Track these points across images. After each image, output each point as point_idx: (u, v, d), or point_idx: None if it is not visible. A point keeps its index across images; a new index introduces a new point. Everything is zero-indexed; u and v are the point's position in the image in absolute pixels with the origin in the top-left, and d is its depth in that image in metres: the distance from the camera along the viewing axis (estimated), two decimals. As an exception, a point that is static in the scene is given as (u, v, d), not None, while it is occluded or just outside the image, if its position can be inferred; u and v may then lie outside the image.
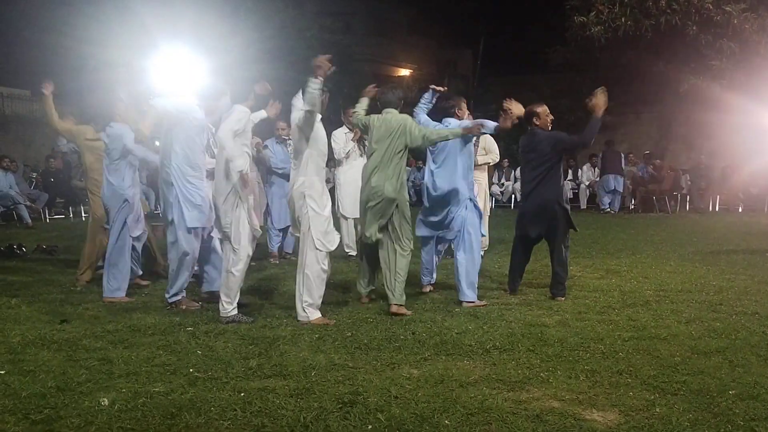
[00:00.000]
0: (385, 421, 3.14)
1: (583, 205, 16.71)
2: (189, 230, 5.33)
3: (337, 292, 6.10)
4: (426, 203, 5.94)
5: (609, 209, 15.54)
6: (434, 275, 6.26)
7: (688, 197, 15.96)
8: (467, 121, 5.83)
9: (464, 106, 6.10)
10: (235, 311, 5.03)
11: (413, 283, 6.05)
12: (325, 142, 5.21)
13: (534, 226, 5.91)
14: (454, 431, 3.03)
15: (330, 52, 5.44)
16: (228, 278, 5.02)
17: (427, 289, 6.20)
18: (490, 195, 8.77)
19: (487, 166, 8.29)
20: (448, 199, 5.71)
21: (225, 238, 5.07)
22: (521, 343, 4.40)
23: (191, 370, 3.89)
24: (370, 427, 3.09)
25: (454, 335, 4.62)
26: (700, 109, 16.95)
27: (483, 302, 5.63)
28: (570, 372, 3.84)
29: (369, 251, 5.66)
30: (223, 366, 3.97)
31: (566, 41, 18.08)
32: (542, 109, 6.00)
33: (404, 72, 31.08)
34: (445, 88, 6.39)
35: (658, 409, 3.27)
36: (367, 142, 5.91)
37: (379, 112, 5.57)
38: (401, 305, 5.29)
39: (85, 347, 4.39)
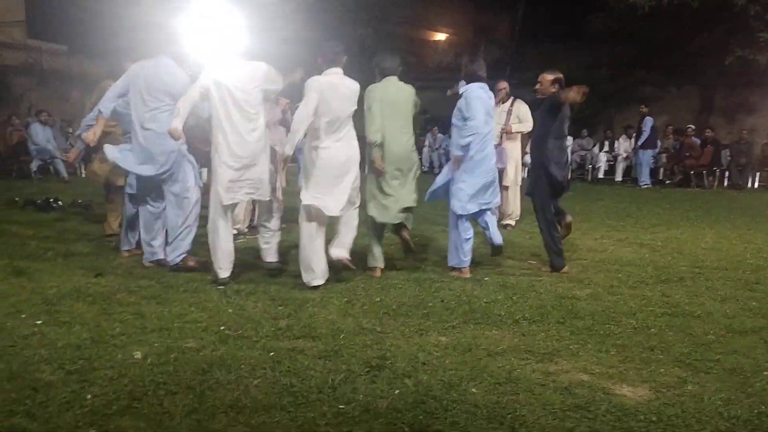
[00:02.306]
0: (413, 387, 3.15)
1: (619, 177, 16.38)
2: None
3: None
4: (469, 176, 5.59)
5: (647, 184, 15.15)
6: None
7: (727, 173, 15.56)
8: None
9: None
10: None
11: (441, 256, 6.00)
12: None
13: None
14: (481, 399, 3.02)
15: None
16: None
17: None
18: (523, 165, 8.60)
19: (520, 135, 8.14)
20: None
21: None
22: (551, 315, 4.37)
23: (222, 327, 3.95)
24: (397, 391, 3.10)
25: (483, 304, 4.59)
26: (743, 82, 16.39)
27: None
28: (600, 346, 3.80)
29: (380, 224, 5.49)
30: (253, 325, 4.01)
31: (607, 9, 17.56)
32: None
33: (440, 36, 30.57)
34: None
35: (689, 387, 3.22)
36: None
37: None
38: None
39: (118, 301, 4.47)
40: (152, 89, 5.30)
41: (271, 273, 5.31)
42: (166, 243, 5.52)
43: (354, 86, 5.05)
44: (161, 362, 3.36)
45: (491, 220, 5.68)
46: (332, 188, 4.94)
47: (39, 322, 3.97)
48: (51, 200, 9.11)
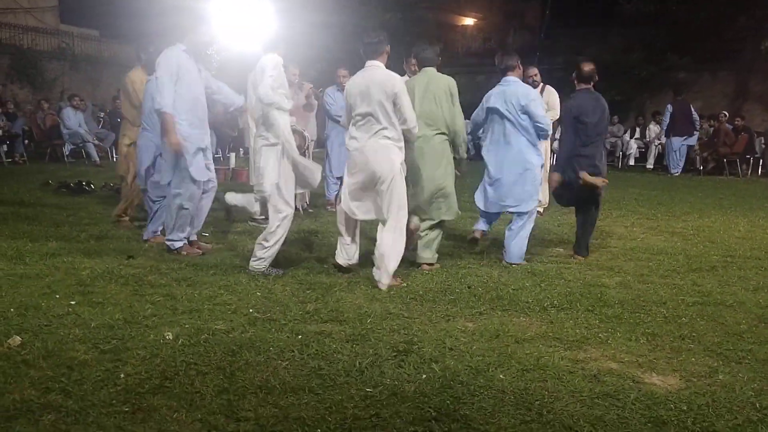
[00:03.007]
0: (440, 372, 3.16)
1: (650, 164, 16.08)
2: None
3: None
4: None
5: (675, 172, 14.77)
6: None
7: (761, 161, 15.22)
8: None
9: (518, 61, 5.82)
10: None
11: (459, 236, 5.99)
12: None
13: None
14: (508, 386, 3.02)
15: None
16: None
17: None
18: (552, 151, 8.53)
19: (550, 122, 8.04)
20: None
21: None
22: (580, 303, 4.34)
23: (251, 310, 3.99)
24: (424, 376, 3.11)
25: (510, 291, 4.58)
26: (781, 68, 15.98)
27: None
28: (630, 334, 3.77)
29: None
30: (281, 308, 4.05)
31: (641, -8, 17.26)
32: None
33: (468, 21, 30.29)
34: None
35: (721, 377, 3.18)
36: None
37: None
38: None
39: (150, 283, 4.54)
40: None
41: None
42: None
43: (389, 81, 4.62)
44: (192, 343, 3.42)
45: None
46: (360, 190, 4.74)
47: (73, 302, 4.05)
48: (83, 183, 9.27)
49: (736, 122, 14.99)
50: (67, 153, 13.70)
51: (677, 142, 14.78)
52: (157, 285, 4.50)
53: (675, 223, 7.74)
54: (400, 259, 4.69)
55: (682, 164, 14.89)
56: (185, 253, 5.45)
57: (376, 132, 4.62)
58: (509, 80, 5.46)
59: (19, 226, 6.40)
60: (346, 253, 4.96)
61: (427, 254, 5.22)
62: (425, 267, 5.17)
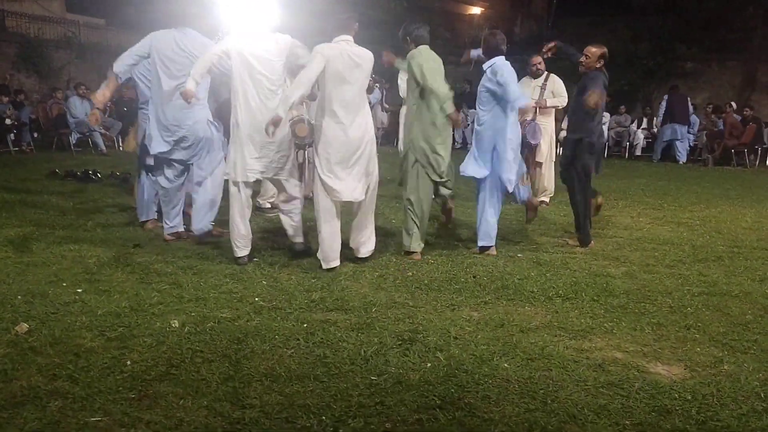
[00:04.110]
0: (444, 360, 3.16)
1: (658, 155, 15.98)
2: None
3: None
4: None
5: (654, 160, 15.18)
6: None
7: (769, 152, 15.12)
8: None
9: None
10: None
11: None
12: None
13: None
14: (513, 374, 3.02)
15: None
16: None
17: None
18: (558, 141, 8.49)
19: (554, 111, 8.00)
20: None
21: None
22: (585, 293, 4.33)
23: (257, 299, 4.01)
24: (429, 365, 3.12)
25: (515, 281, 4.58)
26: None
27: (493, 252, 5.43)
28: (635, 324, 3.76)
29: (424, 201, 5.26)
30: (287, 297, 4.06)
31: (650, -20, 17.13)
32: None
33: (475, 10, 30.11)
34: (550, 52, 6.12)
35: (726, 367, 3.18)
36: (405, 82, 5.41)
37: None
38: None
39: (156, 271, 4.56)
40: (178, 59, 5.14)
41: (296, 254, 5.04)
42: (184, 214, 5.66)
43: (366, 55, 4.71)
44: (198, 331, 3.44)
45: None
46: (344, 170, 4.69)
47: (80, 290, 4.07)
48: (90, 172, 9.29)
49: (745, 113, 14.89)
50: (73, 142, 13.71)
51: (668, 130, 15.03)
52: (163, 273, 4.52)
53: (681, 213, 7.71)
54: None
55: (685, 153, 15.12)
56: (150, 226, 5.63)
57: (359, 108, 4.76)
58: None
59: (26, 215, 6.43)
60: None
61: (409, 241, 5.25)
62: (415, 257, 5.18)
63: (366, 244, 5.00)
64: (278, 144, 4.74)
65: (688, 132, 15.37)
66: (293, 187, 4.96)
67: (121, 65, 5.18)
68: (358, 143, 4.69)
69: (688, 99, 15.32)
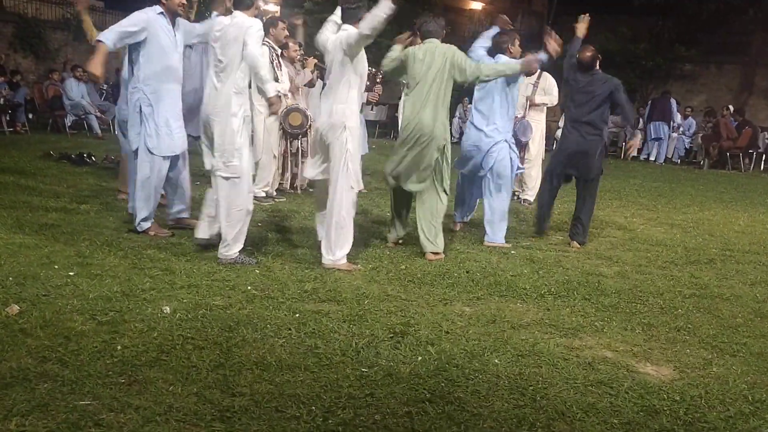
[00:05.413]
0: (435, 354, 3.17)
1: (653, 156, 16.04)
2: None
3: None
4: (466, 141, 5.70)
5: (642, 158, 15.69)
6: (469, 215, 6.19)
7: (764, 156, 15.18)
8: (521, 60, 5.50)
9: (517, 42, 5.64)
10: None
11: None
12: (366, 70, 4.75)
13: (572, 166, 5.75)
14: (503, 370, 3.03)
15: None
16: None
17: (458, 227, 6.02)
18: (554, 140, 8.50)
19: (545, 109, 7.99)
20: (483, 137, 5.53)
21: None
22: (577, 291, 4.35)
23: (249, 287, 4.00)
24: (420, 358, 3.12)
25: (508, 277, 4.58)
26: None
27: (507, 244, 5.54)
28: (626, 324, 3.78)
29: (400, 194, 5.20)
30: (279, 286, 4.06)
31: (652, -20, 17.11)
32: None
33: (476, 5, 30.03)
34: (510, 26, 6.05)
35: (715, 369, 3.20)
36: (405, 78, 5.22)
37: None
38: (440, 252, 5.03)
39: (149, 256, 4.54)
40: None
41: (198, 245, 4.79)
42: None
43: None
44: (189, 318, 3.43)
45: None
46: (318, 155, 4.76)
47: (71, 273, 4.06)
48: (85, 155, 9.24)
49: (737, 118, 14.97)
50: (68, 124, 13.63)
51: (651, 128, 15.53)
52: (156, 259, 4.51)
53: (675, 215, 7.74)
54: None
55: (663, 154, 15.67)
56: (153, 233, 5.12)
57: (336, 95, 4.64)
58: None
59: (19, 196, 6.39)
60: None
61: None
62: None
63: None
64: (219, 128, 4.53)
65: (683, 133, 15.50)
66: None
67: (110, 38, 4.91)
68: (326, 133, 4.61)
69: (672, 100, 15.51)
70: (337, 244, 4.55)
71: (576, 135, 5.63)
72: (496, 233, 5.56)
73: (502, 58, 5.51)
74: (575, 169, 5.70)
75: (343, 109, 4.56)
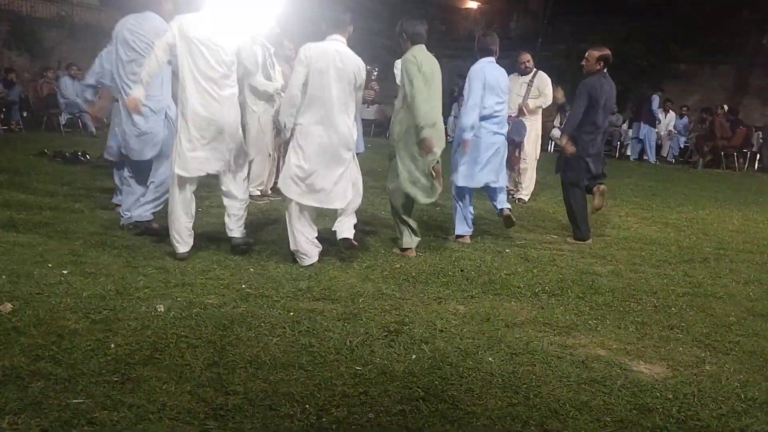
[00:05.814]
0: (429, 353, 3.17)
1: (652, 158, 15.99)
2: None
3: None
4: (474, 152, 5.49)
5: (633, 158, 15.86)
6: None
7: (758, 155, 15.23)
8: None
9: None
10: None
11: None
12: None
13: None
14: (497, 368, 3.04)
15: None
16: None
17: (469, 239, 5.77)
18: (550, 138, 8.50)
19: (540, 109, 8.00)
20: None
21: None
22: (571, 290, 4.36)
23: (243, 286, 4.00)
24: (414, 356, 3.12)
25: (502, 276, 4.59)
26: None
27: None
28: (619, 322, 3.79)
29: (405, 200, 5.03)
30: (274, 285, 4.06)
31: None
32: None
33: (471, 4, 30.04)
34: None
35: (707, 367, 3.21)
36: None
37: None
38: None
39: (143, 255, 4.54)
40: (138, 47, 4.93)
41: (236, 251, 4.70)
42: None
43: (356, 62, 4.47)
44: (183, 316, 3.42)
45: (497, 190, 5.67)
46: (324, 177, 4.52)
47: (65, 271, 4.05)
48: (79, 154, 9.23)
49: (729, 117, 15.03)
50: (63, 122, 13.61)
51: (636, 128, 15.83)
52: (150, 257, 4.50)
53: (669, 214, 7.76)
54: None
55: (652, 154, 15.72)
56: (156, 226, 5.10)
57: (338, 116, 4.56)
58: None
59: (13, 194, 6.38)
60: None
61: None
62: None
63: None
64: (229, 136, 4.49)
65: (678, 132, 15.60)
66: (238, 185, 4.71)
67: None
68: (330, 152, 4.54)
69: (654, 97, 15.64)
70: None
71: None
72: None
73: (482, 61, 5.43)
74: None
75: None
